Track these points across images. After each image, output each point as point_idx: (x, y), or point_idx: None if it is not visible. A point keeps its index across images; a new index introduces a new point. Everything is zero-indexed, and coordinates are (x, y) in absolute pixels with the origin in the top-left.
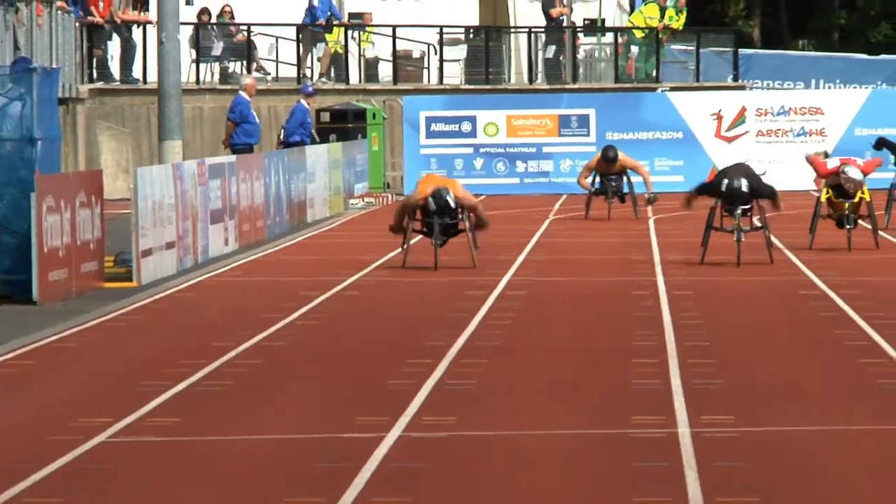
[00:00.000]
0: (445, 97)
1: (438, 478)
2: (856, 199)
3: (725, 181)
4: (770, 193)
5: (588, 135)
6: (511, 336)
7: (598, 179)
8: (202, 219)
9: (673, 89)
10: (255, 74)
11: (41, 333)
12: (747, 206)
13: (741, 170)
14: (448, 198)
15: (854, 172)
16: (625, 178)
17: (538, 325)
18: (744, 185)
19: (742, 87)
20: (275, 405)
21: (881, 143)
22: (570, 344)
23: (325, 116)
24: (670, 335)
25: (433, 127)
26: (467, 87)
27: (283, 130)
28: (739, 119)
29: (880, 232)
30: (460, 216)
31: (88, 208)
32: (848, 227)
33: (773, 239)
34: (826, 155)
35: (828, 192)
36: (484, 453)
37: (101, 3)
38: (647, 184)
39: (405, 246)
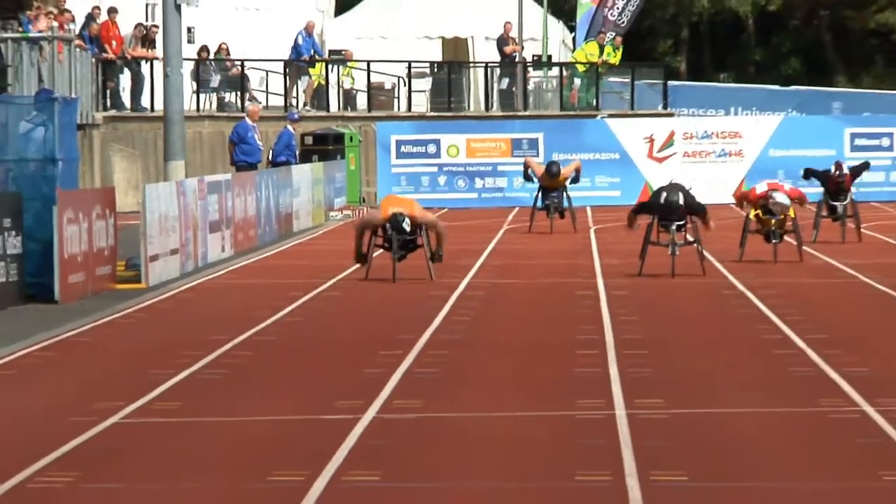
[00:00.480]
0: (413, 123)
1: (407, 454)
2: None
3: (664, 194)
4: (702, 211)
5: (538, 155)
6: (471, 331)
7: (540, 195)
8: (202, 228)
9: (610, 116)
10: (247, 104)
11: (61, 329)
12: (682, 222)
13: (677, 187)
14: (404, 224)
15: (781, 197)
16: (565, 195)
17: (495, 321)
18: (680, 198)
19: (671, 115)
20: (264, 391)
21: (808, 174)
22: (522, 337)
23: (309, 140)
24: (609, 330)
25: (402, 149)
26: (432, 114)
27: (271, 152)
28: (669, 142)
29: (805, 247)
30: (419, 233)
31: (103, 220)
32: (774, 241)
33: (705, 252)
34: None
35: (756, 211)
36: (447, 432)
37: (113, 42)
38: (577, 171)
39: (368, 260)
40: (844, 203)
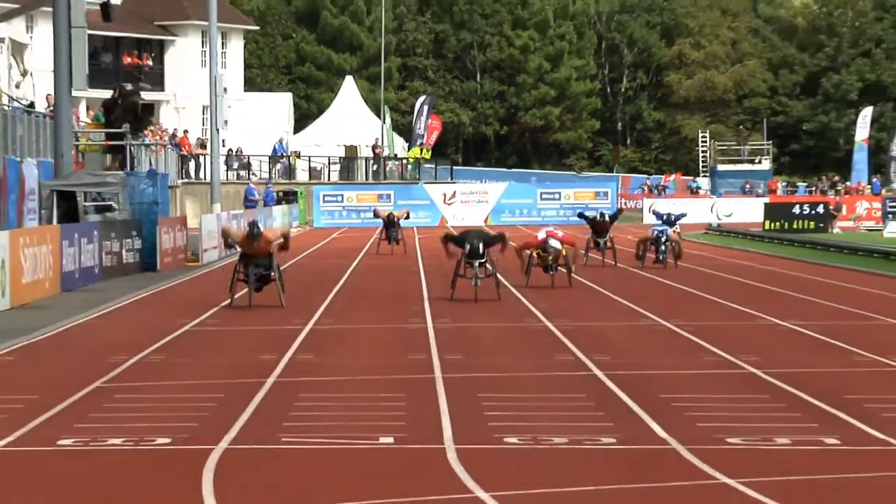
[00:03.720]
0: (330, 185)
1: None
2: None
3: (467, 245)
4: (499, 240)
5: (390, 202)
6: (341, 319)
7: (385, 230)
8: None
9: (426, 183)
10: (252, 176)
11: (159, 285)
12: (483, 260)
13: (477, 234)
14: (257, 234)
15: (554, 244)
16: (400, 230)
17: (359, 308)
18: (480, 246)
19: (454, 182)
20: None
21: (581, 216)
22: (378, 310)
23: (281, 194)
24: (429, 317)
25: (325, 198)
26: (340, 181)
27: (262, 200)
28: (453, 196)
29: (573, 275)
30: (272, 270)
31: (180, 232)
32: (551, 272)
33: (501, 279)
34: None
35: (536, 250)
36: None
37: (186, 145)
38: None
39: (232, 291)
40: (605, 239)
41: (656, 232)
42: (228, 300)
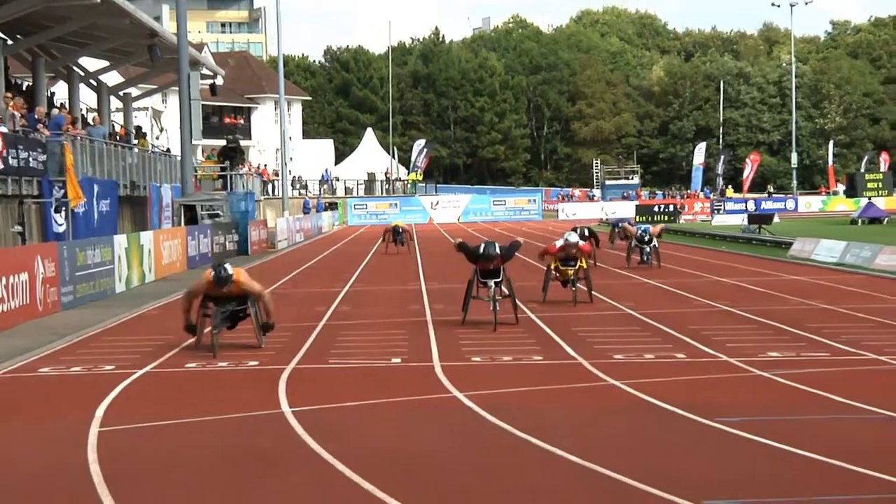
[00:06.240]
0: (359, 198)
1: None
2: (576, 267)
3: (482, 246)
4: (515, 248)
5: (397, 210)
6: (366, 284)
7: (392, 236)
8: (294, 231)
9: (420, 195)
10: (308, 194)
11: (251, 264)
12: (499, 279)
13: (493, 244)
14: (226, 276)
15: (573, 237)
16: (405, 235)
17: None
18: (496, 247)
19: (437, 195)
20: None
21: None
22: (389, 279)
23: (327, 203)
24: (422, 281)
25: (356, 208)
26: (364, 196)
27: (314, 208)
28: (437, 203)
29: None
30: (248, 302)
31: (263, 229)
32: (572, 287)
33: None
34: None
35: (556, 262)
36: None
37: (266, 174)
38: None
39: (197, 331)
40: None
41: (641, 230)
42: (194, 339)
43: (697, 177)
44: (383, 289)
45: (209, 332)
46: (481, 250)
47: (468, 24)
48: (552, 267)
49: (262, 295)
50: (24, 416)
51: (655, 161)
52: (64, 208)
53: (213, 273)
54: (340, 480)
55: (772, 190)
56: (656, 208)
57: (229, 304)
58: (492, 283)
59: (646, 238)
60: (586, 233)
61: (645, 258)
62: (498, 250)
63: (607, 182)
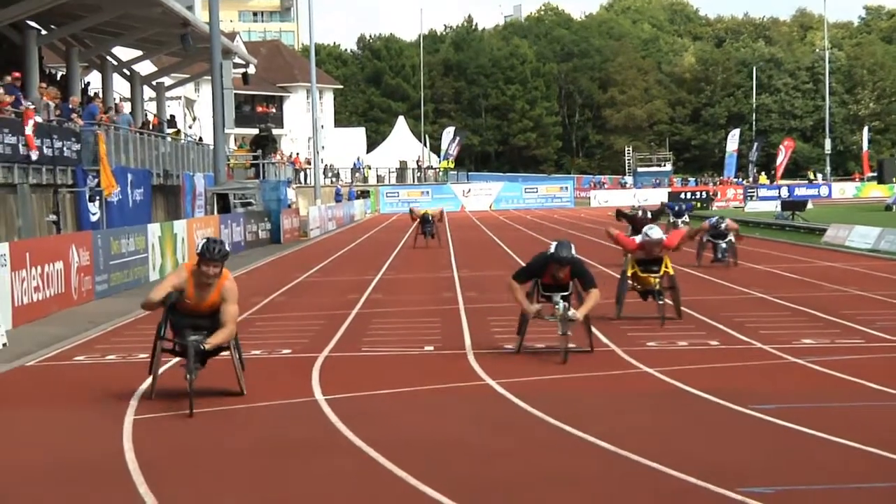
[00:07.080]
0: (390, 186)
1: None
2: (660, 273)
3: (552, 246)
4: (591, 282)
5: (430, 198)
6: (398, 272)
7: (422, 226)
8: (326, 220)
9: (452, 183)
10: (339, 181)
11: (282, 252)
12: (567, 293)
13: (568, 245)
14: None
15: (656, 233)
16: (436, 225)
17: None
18: (572, 249)
19: (469, 183)
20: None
21: (619, 215)
22: (421, 267)
23: (359, 192)
24: (455, 269)
25: (387, 195)
26: (396, 184)
27: (346, 196)
28: (469, 191)
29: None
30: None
31: (295, 217)
32: (658, 300)
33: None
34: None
35: (634, 267)
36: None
37: (298, 162)
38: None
39: (153, 374)
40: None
41: (712, 222)
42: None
43: (731, 164)
44: (416, 276)
45: (184, 377)
46: (552, 248)
47: (500, 12)
48: (628, 273)
49: (235, 325)
50: (60, 403)
51: (687, 148)
52: (98, 197)
53: (204, 243)
54: (374, 468)
55: (812, 177)
56: (689, 195)
57: (202, 319)
58: (558, 297)
59: (721, 226)
60: (649, 215)
61: (721, 255)
62: (573, 253)
63: (639, 169)
